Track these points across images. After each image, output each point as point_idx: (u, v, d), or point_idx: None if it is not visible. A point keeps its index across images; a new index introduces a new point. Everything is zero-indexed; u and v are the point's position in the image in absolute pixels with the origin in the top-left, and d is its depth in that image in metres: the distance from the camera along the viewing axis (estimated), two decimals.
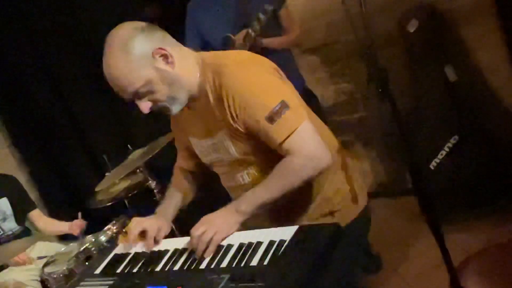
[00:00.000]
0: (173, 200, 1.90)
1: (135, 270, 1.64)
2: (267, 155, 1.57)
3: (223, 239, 1.52)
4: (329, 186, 1.69)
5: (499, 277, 1.91)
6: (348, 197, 1.74)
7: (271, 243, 1.40)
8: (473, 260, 2.04)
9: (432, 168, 3.02)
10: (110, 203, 3.13)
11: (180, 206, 1.89)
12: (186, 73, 1.56)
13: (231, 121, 1.53)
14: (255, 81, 1.53)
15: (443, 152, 2.99)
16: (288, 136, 1.48)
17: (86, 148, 3.88)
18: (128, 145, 2.89)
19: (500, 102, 3.11)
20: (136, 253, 1.73)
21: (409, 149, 1.61)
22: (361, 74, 3.58)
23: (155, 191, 2.79)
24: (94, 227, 3.17)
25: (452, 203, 2.93)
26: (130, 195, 3.12)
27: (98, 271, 1.77)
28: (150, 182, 2.78)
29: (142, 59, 1.48)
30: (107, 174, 3.03)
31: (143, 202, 3.17)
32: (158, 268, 1.58)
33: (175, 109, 1.59)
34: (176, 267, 1.53)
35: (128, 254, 1.76)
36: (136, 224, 1.74)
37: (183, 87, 1.56)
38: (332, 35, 3.46)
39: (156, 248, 1.69)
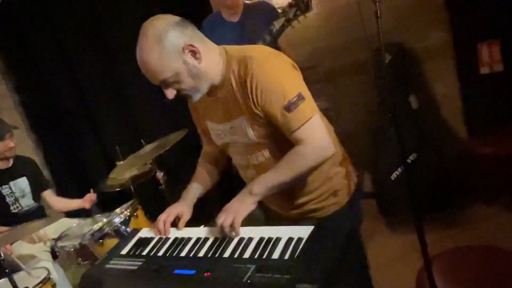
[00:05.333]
0: (195, 188, 1.80)
1: (160, 254, 1.54)
2: (281, 141, 1.53)
3: (242, 219, 1.48)
4: (332, 170, 1.67)
5: (456, 274, 1.95)
6: (347, 177, 1.73)
7: (290, 239, 1.34)
8: (435, 259, 2.08)
9: (393, 179, 3.07)
10: (118, 189, 3.01)
11: (201, 193, 1.80)
12: (211, 66, 1.50)
13: (252, 107, 1.48)
14: (277, 73, 1.47)
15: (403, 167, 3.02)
16: (302, 125, 1.45)
17: (98, 139, 3.73)
18: (142, 140, 2.77)
19: (451, 128, 3.17)
20: (161, 238, 1.63)
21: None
22: (336, 95, 3.61)
23: (161, 181, 2.69)
24: (102, 209, 3.07)
25: (408, 209, 2.96)
26: (137, 183, 3.01)
27: (124, 252, 1.65)
28: (157, 173, 2.68)
29: (173, 52, 1.42)
30: (118, 163, 2.91)
31: (148, 190, 3.08)
32: (183, 254, 1.49)
33: (196, 97, 1.53)
34: (201, 254, 1.45)
35: (152, 238, 1.66)
36: (170, 212, 1.67)
37: (206, 79, 1.50)
38: (315, 59, 3.45)
39: (179, 235, 1.61)
